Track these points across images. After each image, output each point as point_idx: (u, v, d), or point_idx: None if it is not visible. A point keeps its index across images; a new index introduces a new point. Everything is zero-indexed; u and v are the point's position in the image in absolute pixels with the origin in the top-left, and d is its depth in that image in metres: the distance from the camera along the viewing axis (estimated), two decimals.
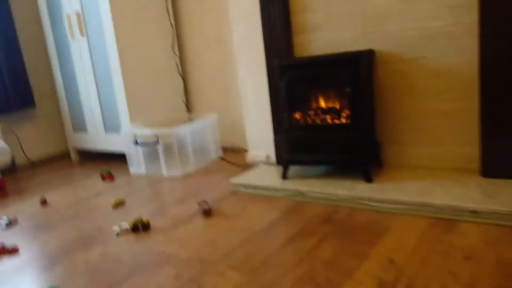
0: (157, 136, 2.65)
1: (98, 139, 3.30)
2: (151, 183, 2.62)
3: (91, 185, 2.76)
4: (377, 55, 2.08)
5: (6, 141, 3.37)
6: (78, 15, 3.03)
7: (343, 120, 2.06)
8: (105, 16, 2.85)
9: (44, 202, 2.45)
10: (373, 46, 2.09)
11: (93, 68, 3.09)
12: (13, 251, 1.82)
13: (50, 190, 2.75)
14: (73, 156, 3.59)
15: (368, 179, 1.98)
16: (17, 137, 3.49)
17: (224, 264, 1.49)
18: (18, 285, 1.53)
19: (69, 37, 3.18)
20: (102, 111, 3.17)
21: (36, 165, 3.59)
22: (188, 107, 3.46)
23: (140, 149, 2.75)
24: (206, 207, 1.99)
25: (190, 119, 3.24)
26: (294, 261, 1.45)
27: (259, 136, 2.59)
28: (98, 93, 3.14)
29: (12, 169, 3.44)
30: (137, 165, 2.85)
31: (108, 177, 2.82)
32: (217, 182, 2.48)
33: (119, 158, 3.35)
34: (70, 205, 2.40)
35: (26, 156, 3.56)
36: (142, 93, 3.04)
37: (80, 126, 3.41)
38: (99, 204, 2.35)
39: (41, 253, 1.78)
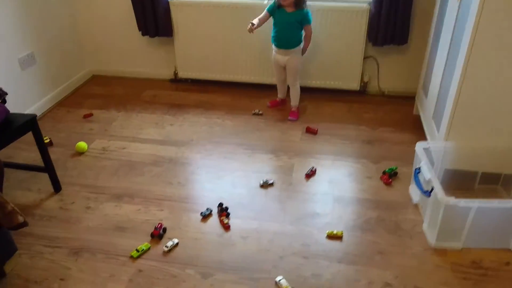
0: (432, 187, 1.97)
1: (427, 116, 2.72)
2: (405, 232, 2.15)
3: (372, 179, 2.54)
4: None
5: (365, 66, 3.35)
6: None
7: None
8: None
9: (309, 175, 2.54)
10: None
11: (452, 38, 2.31)
12: None
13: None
14: (416, 109, 3.18)
15: None
16: (377, 65, 3.36)
17: None
18: None
19: None
20: (439, 90, 2.49)
21: (384, 97, 3.46)
22: None
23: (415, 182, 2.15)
24: None
25: None
26: None
27: None
28: (445, 66, 2.41)
29: (362, 92, 3.49)
30: (415, 188, 2.29)
31: (386, 178, 2.47)
32: None
33: None
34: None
35: (379, 85, 3.45)
36: (483, 99, 2.11)
37: (426, 86, 2.86)
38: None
39: None
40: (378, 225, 2.16)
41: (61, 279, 1.90)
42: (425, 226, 2.11)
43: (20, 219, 1.76)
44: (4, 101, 2.21)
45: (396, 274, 1.89)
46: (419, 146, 2.21)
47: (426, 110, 2.76)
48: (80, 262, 1.99)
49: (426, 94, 2.81)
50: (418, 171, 2.14)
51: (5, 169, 2.61)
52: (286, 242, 2.07)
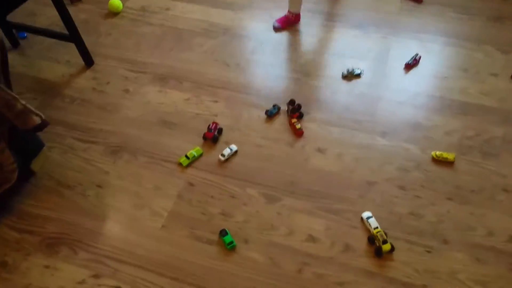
0: None
1: None
2: None
3: (499, 78, 1.85)
4: None
5: None
6: None
7: None
8: None
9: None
10: None
11: None
12: None
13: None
14: None
15: None
16: None
17: None
18: None
19: None
20: None
21: None
22: None
23: None
24: None
25: None
26: None
27: None
28: None
29: None
30: None
31: None
32: None
33: None
34: None
35: None
36: None
37: None
38: None
39: None
40: (505, 149, 1.59)
41: (98, 186, 1.58)
42: None
43: (36, 119, 1.35)
44: None
45: None
46: None
47: None
48: (119, 165, 1.63)
49: None
50: None
51: (27, 34, 2.15)
52: (377, 162, 1.58)
